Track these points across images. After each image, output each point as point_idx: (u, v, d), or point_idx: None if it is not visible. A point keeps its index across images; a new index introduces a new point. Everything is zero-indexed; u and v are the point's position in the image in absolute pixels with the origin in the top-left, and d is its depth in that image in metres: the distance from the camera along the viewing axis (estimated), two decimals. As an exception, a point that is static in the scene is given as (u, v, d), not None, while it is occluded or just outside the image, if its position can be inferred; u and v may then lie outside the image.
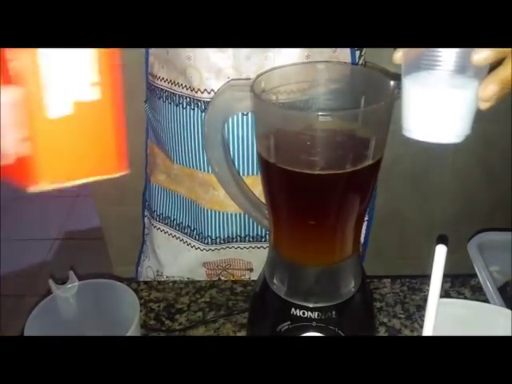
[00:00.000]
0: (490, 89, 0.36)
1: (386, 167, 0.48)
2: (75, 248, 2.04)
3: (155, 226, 0.80)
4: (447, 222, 1.04)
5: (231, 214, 0.71)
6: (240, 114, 0.63)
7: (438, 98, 0.37)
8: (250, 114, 0.63)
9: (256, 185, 0.60)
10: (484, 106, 0.37)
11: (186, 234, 0.76)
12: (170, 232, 0.78)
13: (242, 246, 0.74)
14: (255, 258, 0.74)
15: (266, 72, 0.51)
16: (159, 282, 0.72)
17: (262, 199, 0.57)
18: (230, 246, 0.74)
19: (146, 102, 0.77)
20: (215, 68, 0.61)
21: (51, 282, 0.55)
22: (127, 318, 0.51)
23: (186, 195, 0.74)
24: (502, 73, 0.36)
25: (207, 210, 0.72)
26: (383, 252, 0.98)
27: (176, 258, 0.76)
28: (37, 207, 2.25)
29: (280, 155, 0.46)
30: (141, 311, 0.54)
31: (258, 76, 0.48)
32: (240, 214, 0.71)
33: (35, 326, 0.51)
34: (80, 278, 0.56)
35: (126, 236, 0.96)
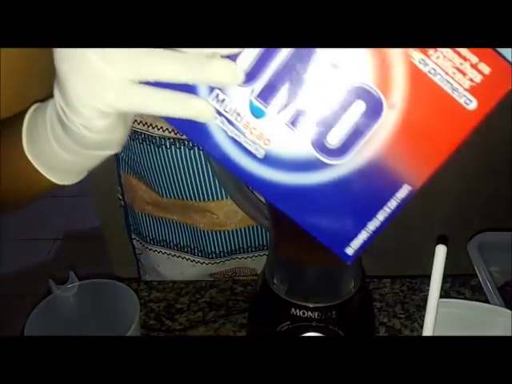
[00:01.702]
0: None
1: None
2: (75, 248, 2.03)
3: (150, 249, 0.78)
4: (447, 222, 1.04)
5: (232, 231, 0.71)
6: None
7: None
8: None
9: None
10: None
11: (187, 252, 0.75)
12: (168, 252, 0.76)
13: (245, 256, 0.74)
14: (260, 264, 0.74)
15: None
16: (159, 282, 0.72)
17: (262, 199, 0.57)
18: (234, 257, 0.74)
19: None
20: None
21: (51, 282, 0.55)
22: (127, 318, 0.51)
23: (179, 220, 0.72)
24: None
25: (206, 231, 0.71)
26: (383, 252, 0.98)
27: (182, 273, 0.76)
28: (37, 207, 2.25)
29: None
30: (141, 311, 0.54)
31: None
32: (241, 229, 0.70)
33: (35, 326, 0.51)
34: (80, 278, 0.56)
35: (125, 236, 0.95)
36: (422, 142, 0.32)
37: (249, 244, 0.72)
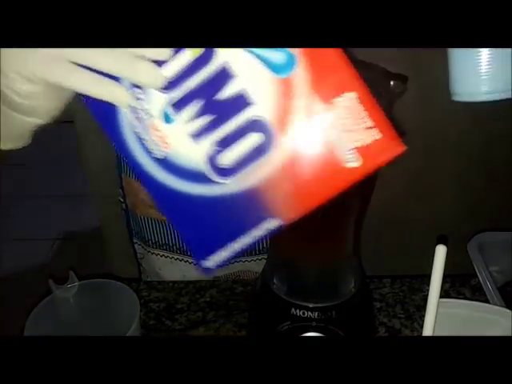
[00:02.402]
0: None
1: (385, 167, 0.48)
2: (75, 248, 2.03)
3: (152, 253, 0.77)
4: (447, 222, 1.04)
5: None
6: None
7: (488, 54, 0.37)
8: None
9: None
10: None
11: (190, 255, 0.74)
12: (171, 256, 0.76)
13: (249, 260, 0.73)
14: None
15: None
16: (159, 282, 0.72)
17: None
18: (238, 260, 0.73)
19: None
20: None
21: (51, 282, 0.55)
22: (127, 318, 0.51)
23: None
24: None
25: None
26: (383, 252, 0.98)
27: (184, 277, 0.75)
28: (37, 207, 2.25)
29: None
30: (141, 311, 0.54)
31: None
32: None
33: (35, 326, 0.51)
34: (80, 278, 0.56)
35: (125, 236, 0.96)
36: (301, 184, 0.35)
37: (253, 247, 0.72)
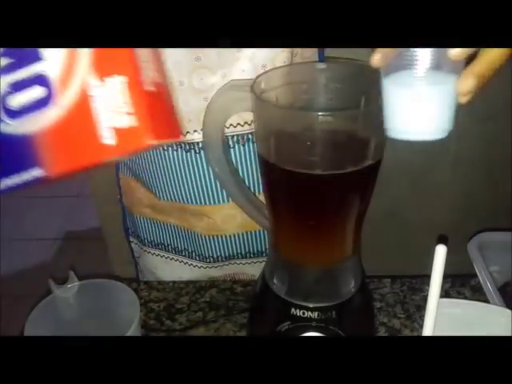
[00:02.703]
0: (469, 82, 0.36)
1: (385, 167, 0.48)
2: (75, 248, 2.03)
3: (148, 252, 0.77)
4: (447, 222, 1.04)
5: (230, 236, 0.71)
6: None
7: (417, 96, 0.37)
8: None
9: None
10: (463, 99, 0.37)
11: (185, 256, 0.75)
12: (166, 255, 0.76)
13: (244, 262, 0.73)
14: (258, 270, 0.74)
15: (265, 72, 0.51)
16: (159, 282, 0.72)
17: (262, 200, 0.57)
18: (233, 262, 0.74)
19: None
20: (197, 112, 0.60)
21: (51, 282, 0.55)
22: (127, 318, 0.51)
23: (177, 224, 0.72)
24: (479, 65, 0.36)
25: (204, 236, 0.71)
26: (383, 252, 0.98)
27: (180, 277, 0.75)
28: (37, 207, 2.25)
29: (280, 155, 0.46)
30: (141, 311, 0.54)
31: (258, 76, 0.48)
32: (239, 235, 0.70)
33: (35, 326, 0.51)
34: (80, 278, 0.56)
35: (125, 237, 0.96)
36: (67, 144, 0.38)
37: (247, 250, 0.72)
